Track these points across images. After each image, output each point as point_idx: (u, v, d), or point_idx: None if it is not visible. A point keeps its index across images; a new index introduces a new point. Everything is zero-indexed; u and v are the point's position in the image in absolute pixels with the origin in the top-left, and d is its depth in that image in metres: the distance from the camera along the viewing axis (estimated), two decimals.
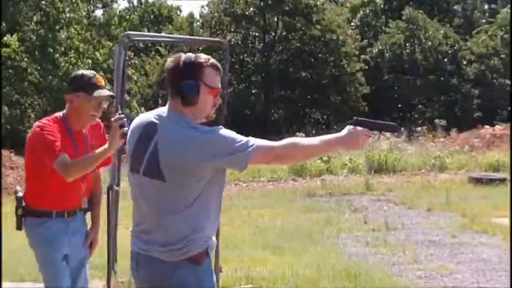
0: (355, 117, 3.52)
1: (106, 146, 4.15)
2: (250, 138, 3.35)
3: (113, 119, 3.99)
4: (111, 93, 4.71)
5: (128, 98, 27.32)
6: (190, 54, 3.44)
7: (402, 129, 27.25)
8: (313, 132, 27.61)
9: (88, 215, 4.83)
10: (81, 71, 4.57)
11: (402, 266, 8.89)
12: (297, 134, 24.99)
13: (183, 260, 3.34)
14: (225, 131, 3.34)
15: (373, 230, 11.55)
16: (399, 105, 40.97)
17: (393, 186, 18.17)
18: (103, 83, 4.41)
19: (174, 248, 3.33)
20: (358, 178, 19.73)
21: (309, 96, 39.11)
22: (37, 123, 4.48)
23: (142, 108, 28.92)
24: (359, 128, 3.49)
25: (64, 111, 4.49)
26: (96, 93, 4.34)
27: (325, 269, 8.26)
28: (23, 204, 4.48)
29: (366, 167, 21.16)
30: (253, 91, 40.01)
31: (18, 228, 4.52)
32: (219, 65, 3.48)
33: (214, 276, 3.52)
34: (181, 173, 3.30)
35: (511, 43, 25.67)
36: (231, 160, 3.30)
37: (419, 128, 27.91)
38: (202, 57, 3.43)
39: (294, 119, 37.47)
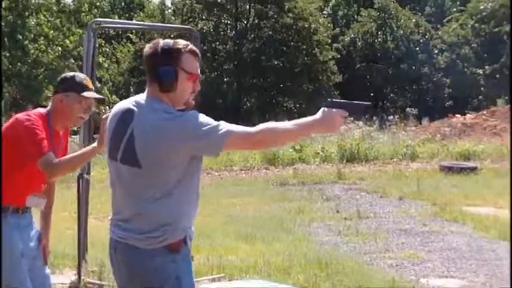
0: (329, 99, 3.49)
1: (95, 144, 4.11)
2: (223, 122, 3.32)
3: (103, 117, 3.94)
4: (102, 96, 4.67)
5: (99, 85, 27.12)
6: (168, 40, 3.41)
7: (374, 118, 27.39)
8: (285, 120, 27.62)
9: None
10: (72, 73, 4.52)
11: (374, 254, 8.94)
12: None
13: (160, 248, 3.33)
14: (198, 115, 3.31)
15: (345, 219, 11.59)
16: (371, 94, 41.10)
17: (365, 175, 18.25)
18: (92, 86, 4.36)
19: (151, 235, 3.32)
20: (330, 167, 19.80)
21: (281, 85, 39.13)
22: (24, 116, 4.32)
23: (114, 96, 28.73)
24: (334, 110, 3.42)
25: (48, 108, 4.43)
26: (87, 94, 4.30)
27: (297, 258, 8.28)
28: None
29: (338, 156, 21.22)
30: (225, 79, 39.98)
31: None
32: (197, 50, 3.45)
33: (193, 264, 3.51)
34: (156, 159, 3.28)
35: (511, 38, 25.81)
36: (204, 144, 3.28)
37: (391, 117, 28.05)
38: (181, 43, 3.40)
39: (267, 108, 37.45)
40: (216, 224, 10.81)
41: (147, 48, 3.42)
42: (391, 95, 43.56)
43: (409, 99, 41.21)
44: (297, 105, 39.71)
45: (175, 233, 3.35)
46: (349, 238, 10.01)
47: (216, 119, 3.35)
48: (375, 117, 27.55)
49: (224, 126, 3.30)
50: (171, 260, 3.35)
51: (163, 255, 3.33)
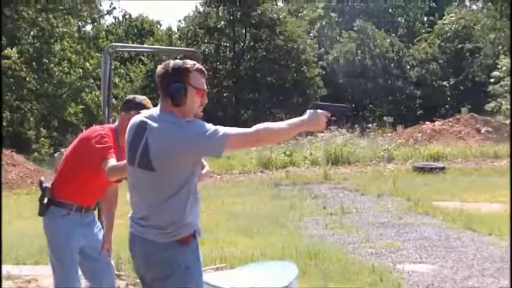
0: (314, 102, 3.50)
1: None
2: (222, 127, 3.35)
3: None
4: None
5: (114, 102, 27.11)
6: (178, 61, 3.43)
7: (356, 125, 27.37)
8: None
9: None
10: (133, 95, 4.63)
11: (356, 244, 8.94)
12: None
13: (172, 242, 3.35)
14: (201, 123, 3.35)
15: (331, 214, 11.58)
16: (353, 105, 41.10)
17: (348, 175, 18.26)
18: (151, 106, 4.36)
19: (165, 231, 3.36)
20: (317, 169, 19.81)
21: (274, 99, 39.13)
22: (99, 128, 4.46)
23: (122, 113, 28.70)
24: (319, 110, 3.44)
25: (116, 124, 4.50)
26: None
27: (289, 249, 8.28)
28: (49, 194, 4.45)
29: (324, 160, 21.22)
30: (225, 94, 39.92)
31: (41, 214, 4.47)
32: (203, 69, 3.49)
33: (201, 256, 3.52)
34: (167, 162, 3.31)
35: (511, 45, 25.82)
36: (207, 146, 3.30)
37: (370, 125, 28.03)
38: (189, 63, 3.43)
39: (261, 119, 37.16)
40: (218, 220, 10.80)
41: (159, 68, 3.45)
42: (370, 105, 43.53)
43: (385, 109, 41.17)
44: (288, 116, 39.64)
45: (186, 228, 3.38)
46: (335, 231, 10.00)
47: None
48: (356, 125, 27.52)
49: (222, 129, 3.33)
50: (181, 252, 3.37)
51: (175, 248, 3.36)
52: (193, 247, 3.43)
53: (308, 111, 3.45)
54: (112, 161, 4.10)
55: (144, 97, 4.51)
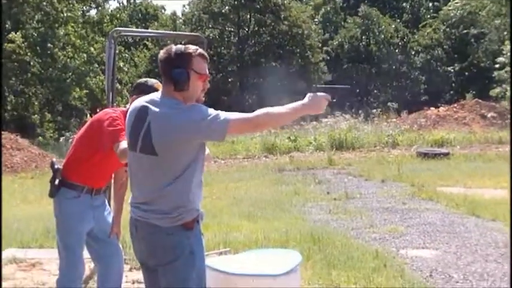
0: (314, 85, 3.52)
1: None
2: (223, 112, 3.34)
3: None
4: None
5: (119, 86, 27.09)
6: (180, 46, 3.41)
7: (360, 111, 27.34)
8: None
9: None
10: (145, 79, 4.57)
11: (360, 230, 8.94)
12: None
13: (177, 226, 3.35)
14: (203, 108, 3.33)
15: (335, 199, 11.57)
16: (357, 90, 41.02)
17: (352, 161, 18.25)
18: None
19: (169, 216, 3.34)
20: (321, 154, 19.80)
21: (278, 83, 39.04)
22: (111, 111, 4.42)
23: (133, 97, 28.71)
24: (318, 94, 3.44)
25: (127, 107, 4.46)
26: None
27: (293, 233, 8.29)
28: (60, 175, 4.44)
29: (329, 145, 21.22)
30: (229, 79, 39.89)
31: (52, 195, 4.46)
32: (205, 54, 3.47)
33: (204, 240, 3.52)
34: (169, 146, 3.30)
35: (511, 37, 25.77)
36: (210, 130, 3.28)
37: (374, 110, 27.98)
38: (191, 48, 3.41)
39: (266, 104, 37.19)
40: (222, 205, 10.81)
41: (162, 53, 3.43)
42: (375, 91, 43.44)
43: (390, 94, 41.07)
44: (293, 101, 39.59)
45: (190, 213, 3.37)
46: (339, 216, 10.00)
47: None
48: (360, 111, 27.52)
49: (223, 114, 3.32)
50: (186, 236, 3.37)
51: (179, 233, 3.35)
52: (197, 231, 3.42)
53: (308, 94, 3.45)
54: (124, 144, 4.07)
55: (155, 80, 4.45)
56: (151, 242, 3.42)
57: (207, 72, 3.48)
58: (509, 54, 28.19)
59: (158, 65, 3.48)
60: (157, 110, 3.36)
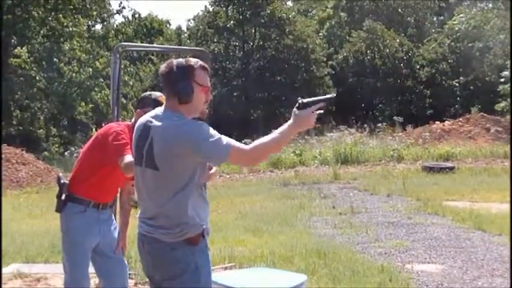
0: (299, 100, 3.44)
1: None
2: (226, 137, 3.33)
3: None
4: None
5: (124, 101, 27.18)
6: (181, 59, 3.44)
7: (365, 125, 27.32)
8: None
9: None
10: (149, 92, 4.60)
11: (365, 244, 8.92)
12: (271, 131, 24.97)
13: (180, 241, 3.35)
14: (207, 126, 3.33)
15: (340, 214, 11.57)
16: (362, 105, 40.99)
17: (357, 175, 18.23)
18: None
19: (172, 232, 3.35)
20: (327, 169, 19.78)
21: (283, 98, 39.08)
22: (115, 125, 4.46)
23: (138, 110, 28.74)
24: (305, 111, 3.40)
25: (132, 121, 4.47)
26: None
27: (299, 248, 8.28)
28: (66, 190, 4.43)
29: (334, 159, 21.22)
30: (234, 94, 39.90)
31: (59, 211, 4.46)
32: (207, 66, 3.49)
33: (210, 255, 3.52)
34: (169, 160, 3.31)
35: None
36: (211, 151, 3.28)
37: (379, 125, 27.96)
38: (192, 60, 3.44)
39: (271, 118, 37.33)
40: (228, 220, 10.80)
41: (163, 67, 3.45)
42: (380, 105, 43.37)
43: (395, 108, 41.01)
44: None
45: (193, 228, 3.37)
46: (344, 230, 9.99)
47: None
48: (365, 125, 27.49)
49: (226, 139, 3.31)
50: (190, 252, 3.37)
51: (183, 248, 3.36)
52: (202, 246, 3.42)
53: (293, 113, 3.42)
54: (128, 157, 4.09)
55: (160, 93, 4.46)
56: (156, 256, 3.43)
57: (209, 83, 3.50)
58: None
59: (160, 80, 3.50)
60: (160, 123, 3.38)
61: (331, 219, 11.09)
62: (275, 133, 3.40)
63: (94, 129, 27.17)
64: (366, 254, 8.24)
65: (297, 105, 3.41)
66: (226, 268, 7.00)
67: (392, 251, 8.43)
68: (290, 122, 3.41)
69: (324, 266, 7.36)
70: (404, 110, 39.47)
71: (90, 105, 28.74)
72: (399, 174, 17.69)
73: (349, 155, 21.62)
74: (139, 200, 3.56)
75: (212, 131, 3.32)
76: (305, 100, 3.45)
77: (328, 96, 3.57)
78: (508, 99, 29.01)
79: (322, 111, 3.46)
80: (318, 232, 9.88)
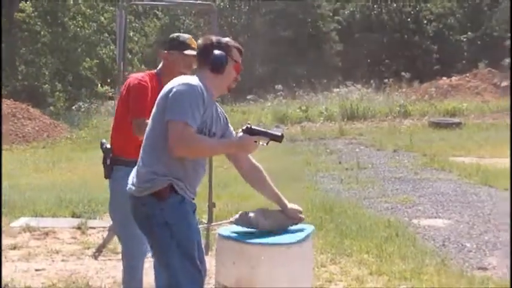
0: (248, 125, 3.49)
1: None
2: (192, 114, 3.25)
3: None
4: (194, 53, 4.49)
5: (129, 56, 27.05)
6: (220, 38, 3.55)
7: (372, 81, 27.19)
8: (294, 85, 27.48)
9: None
10: (177, 34, 4.40)
11: (372, 199, 8.96)
12: (276, 87, 24.90)
13: (148, 195, 3.31)
14: (187, 97, 3.27)
15: (347, 169, 11.60)
16: (368, 60, 40.73)
17: (364, 131, 18.22)
18: (195, 45, 3.93)
19: (140, 184, 3.34)
20: (333, 124, 19.78)
21: (289, 53, 38.89)
22: (139, 78, 4.20)
23: (143, 65, 28.66)
24: (249, 136, 3.46)
25: (158, 68, 4.30)
26: (188, 52, 4.16)
27: (305, 203, 8.27)
28: (111, 154, 4.24)
29: (340, 115, 21.17)
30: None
31: (107, 177, 4.26)
32: (242, 49, 3.60)
33: (198, 217, 3.51)
34: (157, 115, 3.37)
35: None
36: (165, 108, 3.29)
37: (386, 80, 27.81)
38: (231, 41, 3.55)
39: (277, 74, 37.22)
40: (234, 175, 10.77)
41: (201, 41, 3.53)
42: (386, 60, 43.11)
43: (401, 64, 40.76)
44: (304, 72, 39.44)
45: (160, 180, 3.31)
46: (350, 186, 10.03)
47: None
48: (372, 81, 27.35)
49: (185, 112, 3.25)
50: (159, 207, 3.31)
51: (151, 203, 3.32)
52: (173, 202, 3.34)
53: (240, 134, 3.47)
54: (141, 122, 3.91)
55: (188, 36, 4.32)
56: (132, 212, 3.48)
57: (241, 64, 3.58)
58: None
59: (197, 52, 3.55)
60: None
61: (337, 174, 11.12)
62: (216, 141, 3.47)
63: (99, 85, 27.10)
64: (372, 209, 8.28)
65: (244, 127, 3.49)
66: (231, 222, 7.02)
67: (399, 206, 8.46)
68: (234, 139, 3.51)
69: (331, 221, 7.40)
70: (411, 65, 39.24)
71: (95, 61, 28.59)
72: (406, 130, 17.68)
73: (355, 110, 21.58)
74: None
75: (186, 102, 3.25)
76: (254, 126, 3.51)
77: (276, 133, 3.58)
78: None
79: (265, 144, 3.56)
80: (325, 187, 9.92)
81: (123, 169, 4.06)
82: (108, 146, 4.29)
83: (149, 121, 3.44)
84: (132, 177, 3.47)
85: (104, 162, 4.28)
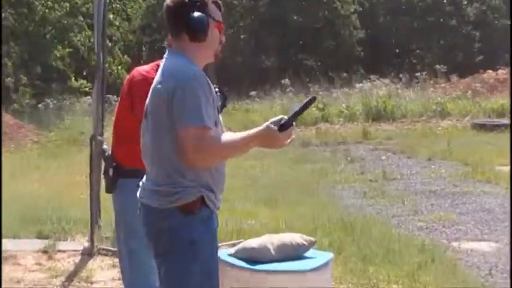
0: (282, 118, 3.49)
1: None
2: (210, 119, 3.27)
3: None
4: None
5: (109, 44, 27.04)
6: None
7: (401, 75, 27.23)
8: (307, 80, 27.50)
9: None
10: None
11: (402, 217, 8.94)
12: (282, 81, 24.92)
13: (172, 208, 3.30)
14: (195, 95, 3.25)
15: (371, 181, 11.60)
16: (397, 50, 40.82)
17: (392, 134, 18.24)
18: None
19: (161, 190, 3.32)
20: (355, 126, 19.82)
21: (301, 42, 38.91)
22: (144, 72, 4.22)
23: (126, 56, 28.69)
24: (276, 131, 3.45)
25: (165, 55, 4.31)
26: None
27: (321, 221, 8.27)
28: (114, 163, 4.22)
29: (363, 115, 21.19)
30: (241, 36, 39.73)
31: (109, 191, 4.27)
32: (219, 1, 3.51)
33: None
34: (156, 116, 3.34)
35: None
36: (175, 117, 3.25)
37: (418, 74, 27.83)
38: None
39: (287, 66, 37.27)
40: (235, 187, 10.74)
41: (169, 1, 3.41)
42: (418, 50, 43.18)
43: (437, 54, 40.82)
44: (319, 63, 39.50)
45: (188, 192, 3.32)
46: (375, 200, 10.02)
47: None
48: (401, 75, 27.38)
49: (203, 120, 3.24)
50: (186, 222, 3.32)
51: (176, 217, 3.31)
52: (202, 217, 3.37)
53: (267, 124, 3.43)
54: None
55: None
56: (147, 227, 3.47)
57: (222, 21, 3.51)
58: None
59: (164, 15, 3.45)
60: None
61: (359, 187, 11.12)
62: (239, 138, 3.40)
63: (73, 78, 27.12)
64: (402, 229, 8.26)
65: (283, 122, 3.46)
66: (234, 245, 6.99)
67: (435, 226, 8.45)
68: (257, 129, 3.43)
69: (352, 243, 7.36)
70: (448, 56, 39.26)
71: (68, 49, 28.65)
72: (443, 133, 17.69)
73: (382, 109, 21.59)
74: None
75: (196, 101, 3.24)
76: (284, 120, 3.49)
77: (305, 101, 3.61)
78: None
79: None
80: (344, 203, 9.90)
81: (132, 181, 3.85)
82: (110, 152, 4.29)
83: (147, 127, 3.40)
84: (146, 191, 3.43)
85: (106, 173, 4.26)
